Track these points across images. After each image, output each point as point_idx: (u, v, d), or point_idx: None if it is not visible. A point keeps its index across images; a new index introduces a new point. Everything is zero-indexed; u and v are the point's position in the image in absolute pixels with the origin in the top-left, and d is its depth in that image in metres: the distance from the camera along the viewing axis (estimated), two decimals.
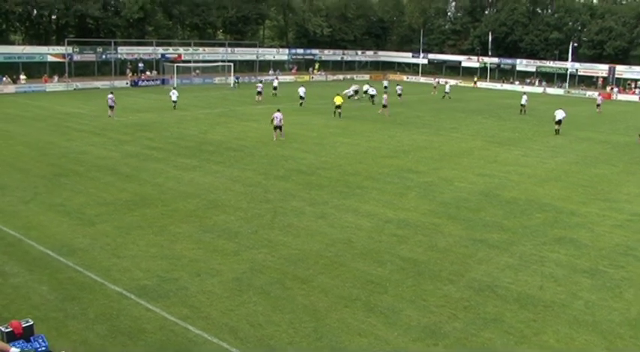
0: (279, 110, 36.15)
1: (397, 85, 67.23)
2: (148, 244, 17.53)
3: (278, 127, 35.41)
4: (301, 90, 54.76)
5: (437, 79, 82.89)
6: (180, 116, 44.72)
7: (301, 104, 52.99)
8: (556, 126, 42.73)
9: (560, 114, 42.64)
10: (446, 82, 77.07)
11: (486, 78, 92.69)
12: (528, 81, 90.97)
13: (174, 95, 49.60)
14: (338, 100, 47.48)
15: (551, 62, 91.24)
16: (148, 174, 25.99)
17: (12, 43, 74.84)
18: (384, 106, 49.17)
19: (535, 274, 16.33)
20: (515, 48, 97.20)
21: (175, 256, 16.64)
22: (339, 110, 47.14)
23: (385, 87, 65.24)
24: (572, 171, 30.22)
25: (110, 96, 43.65)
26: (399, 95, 62.53)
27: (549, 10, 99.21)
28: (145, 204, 21.54)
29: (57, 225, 19.06)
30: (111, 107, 43.18)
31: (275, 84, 64.91)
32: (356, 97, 61.62)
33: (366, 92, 61.43)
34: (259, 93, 57.45)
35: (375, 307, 14.01)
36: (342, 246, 17.95)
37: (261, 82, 63.38)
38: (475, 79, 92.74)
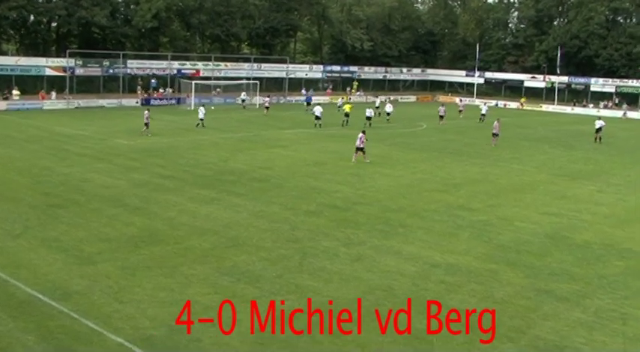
0: (364, 132, 39.18)
1: (388, 100, 71.33)
2: (156, 287, 17.59)
3: (360, 149, 37.90)
4: (317, 110, 55.67)
5: (462, 101, 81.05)
6: (197, 141, 45.28)
7: (316, 125, 54.31)
8: None
9: None
10: (484, 103, 76.67)
11: (553, 100, 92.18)
12: (605, 103, 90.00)
13: (201, 112, 53.10)
14: (347, 108, 56.06)
15: (635, 81, 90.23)
16: (158, 207, 26.23)
17: (4, 54, 76.43)
18: (495, 135, 49.33)
19: (615, 334, 15.97)
20: (590, 64, 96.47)
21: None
22: (347, 118, 55.97)
23: (377, 106, 67.45)
24: None
25: (146, 113, 47.56)
26: (388, 114, 63.92)
27: (633, 19, 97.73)
28: (154, 241, 21.70)
29: (50, 263, 19.20)
30: (146, 124, 46.82)
31: (243, 96, 74.64)
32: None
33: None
34: (267, 108, 67.50)
35: None
36: (381, 293, 17.83)
37: (268, 96, 72.72)
38: (522, 100, 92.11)
